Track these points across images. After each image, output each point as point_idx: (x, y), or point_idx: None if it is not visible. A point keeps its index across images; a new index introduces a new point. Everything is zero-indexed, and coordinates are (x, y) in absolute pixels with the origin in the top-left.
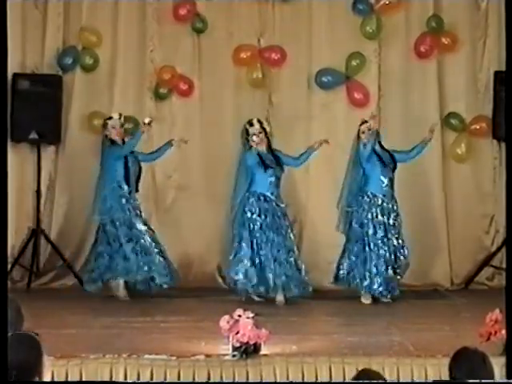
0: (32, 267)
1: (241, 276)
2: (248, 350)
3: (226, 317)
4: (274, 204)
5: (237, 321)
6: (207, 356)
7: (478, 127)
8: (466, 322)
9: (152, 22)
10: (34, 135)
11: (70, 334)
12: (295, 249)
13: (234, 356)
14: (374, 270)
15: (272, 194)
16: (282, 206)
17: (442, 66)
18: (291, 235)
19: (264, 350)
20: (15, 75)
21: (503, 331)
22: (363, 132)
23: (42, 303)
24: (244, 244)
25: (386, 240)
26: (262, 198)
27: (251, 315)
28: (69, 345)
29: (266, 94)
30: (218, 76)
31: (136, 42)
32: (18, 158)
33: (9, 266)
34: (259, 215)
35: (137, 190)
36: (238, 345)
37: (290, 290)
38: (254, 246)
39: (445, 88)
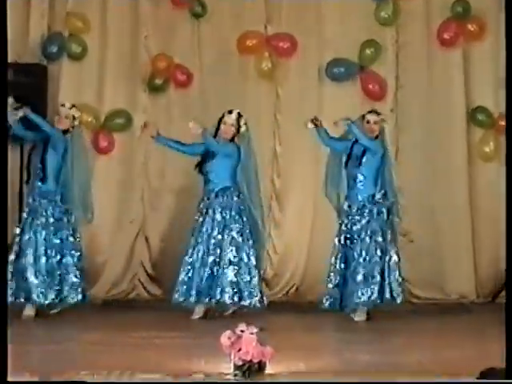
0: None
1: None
2: (251, 369)
3: (228, 332)
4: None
5: (239, 337)
6: (207, 375)
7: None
8: (492, 339)
9: (146, 5)
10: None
11: (55, 351)
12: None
13: (235, 375)
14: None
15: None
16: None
17: (468, 55)
18: (248, 235)
19: (269, 369)
20: None
21: None
22: (367, 122)
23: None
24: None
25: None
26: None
27: (255, 330)
28: (54, 362)
29: (273, 87)
30: (220, 66)
31: (128, 28)
32: None
33: None
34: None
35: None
36: (240, 363)
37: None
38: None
39: (471, 79)
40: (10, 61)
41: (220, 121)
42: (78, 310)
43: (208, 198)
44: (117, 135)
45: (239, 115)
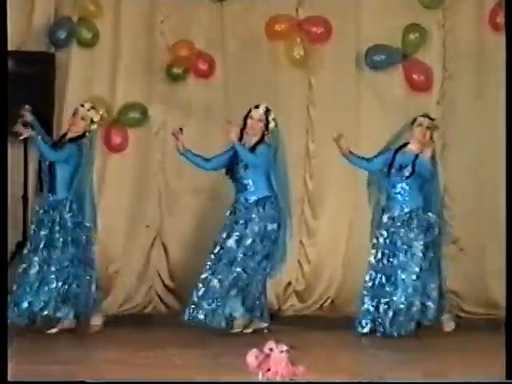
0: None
1: None
2: None
3: (255, 351)
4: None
5: (268, 355)
6: None
7: None
8: None
9: None
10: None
11: (66, 371)
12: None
13: None
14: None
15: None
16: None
17: None
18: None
19: None
20: None
21: None
22: (419, 125)
23: (30, 333)
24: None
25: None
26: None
27: (285, 348)
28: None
29: (305, 76)
30: (245, 54)
31: (143, 12)
32: None
33: None
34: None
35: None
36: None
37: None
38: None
39: None
40: (11, 49)
41: (246, 116)
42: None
43: (246, 208)
44: (131, 131)
45: (267, 109)
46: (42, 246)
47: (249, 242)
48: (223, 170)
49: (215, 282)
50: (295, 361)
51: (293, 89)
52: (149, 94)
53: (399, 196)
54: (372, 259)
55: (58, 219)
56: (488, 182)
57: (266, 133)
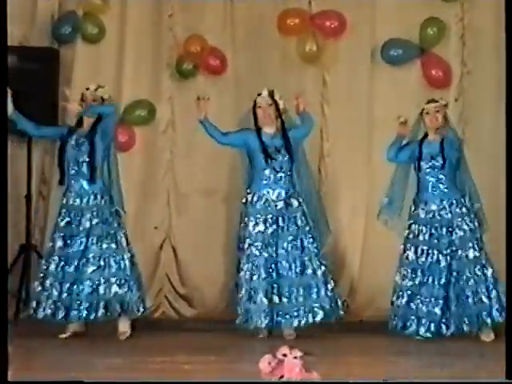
0: (20, 294)
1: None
2: None
3: (268, 356)
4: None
5: (281, 361)
6: None
7: None
8: None
9: None
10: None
11: (70, 378)
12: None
13: None
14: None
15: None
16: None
17: None
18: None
19: None
20: None
21: None
22: (427, 113)
23: (34, 339)
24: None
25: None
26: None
27: (299, 354)
28: None
29: (319, 72)
30: (258, 48)
31: (151, 6)
32: None
33: None
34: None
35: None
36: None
37: None
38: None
39: None
40: (14, 44)
41: (254, 108)
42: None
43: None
44: (138, 129)
45: (270, 92)
46: (81, 238)
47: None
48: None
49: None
50: (310, 367)
51: (306, 86)
52: (156, 92)
53: (440, 188)
54: (412, 254)
55: (95, 209)
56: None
57: (281, 114)
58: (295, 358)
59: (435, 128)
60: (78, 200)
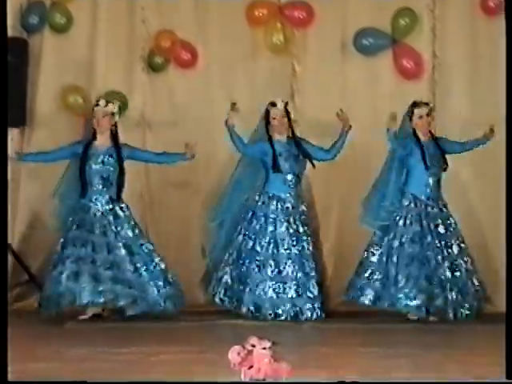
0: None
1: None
2: None
3: (237, 347)
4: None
5: (250, 352)
6: None
7: None
8: None
9: None
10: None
11: (39, 369)
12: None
13: None
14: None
15: (289, 195)
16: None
17: None
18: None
19: None
20: None
21: None
22: (420, 117)
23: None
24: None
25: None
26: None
27: (269, 345)
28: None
29: (289, 63)
30: (228, 41)
31: None
32: None
33: None
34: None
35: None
36: (251, 382)
37: None
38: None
39: None
40: None
41: (267, 117)
42: (63, 324)
43: (292, 207)
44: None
45: (285, 103)
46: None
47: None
48: None
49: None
50: (278, 357)
51: (276, 77)
52: (129, 82)
53: (428, 186)
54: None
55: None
56: (483, 174)
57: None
58: (264, 348)
59: (426, 130)
60: (104, 211)
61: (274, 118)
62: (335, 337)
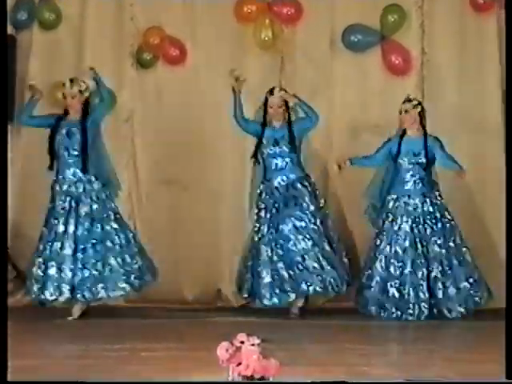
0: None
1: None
2: None
3: (225, 344)
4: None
5: (239, 349)
6: None
7: None
8: None
9: None
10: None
11: (29, 366)
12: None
13: None
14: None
15: (283, 181)
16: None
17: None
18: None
19: None
20: None
21: None
22: (406, 111)
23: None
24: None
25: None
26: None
27: (257, 341)
28: (28, 379)
29: (278, 59)
30: (217, 38)
31: None
32: None
33: None
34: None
35: None
36: (239, 379)
37: None
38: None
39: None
40: None
41: (265, 105)
42: (50, 321)
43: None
44: None
45: (282, 91)
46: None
47: None
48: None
49: None
50: (268, 354)
51: (265, 73)
52: (118, 80)
53: (417, 186)
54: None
55: (93, 194)
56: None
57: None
58: (253, 345)
59: (413, 125)
60: (73, 187)
61: (271, 107)
62: (324, 334)
